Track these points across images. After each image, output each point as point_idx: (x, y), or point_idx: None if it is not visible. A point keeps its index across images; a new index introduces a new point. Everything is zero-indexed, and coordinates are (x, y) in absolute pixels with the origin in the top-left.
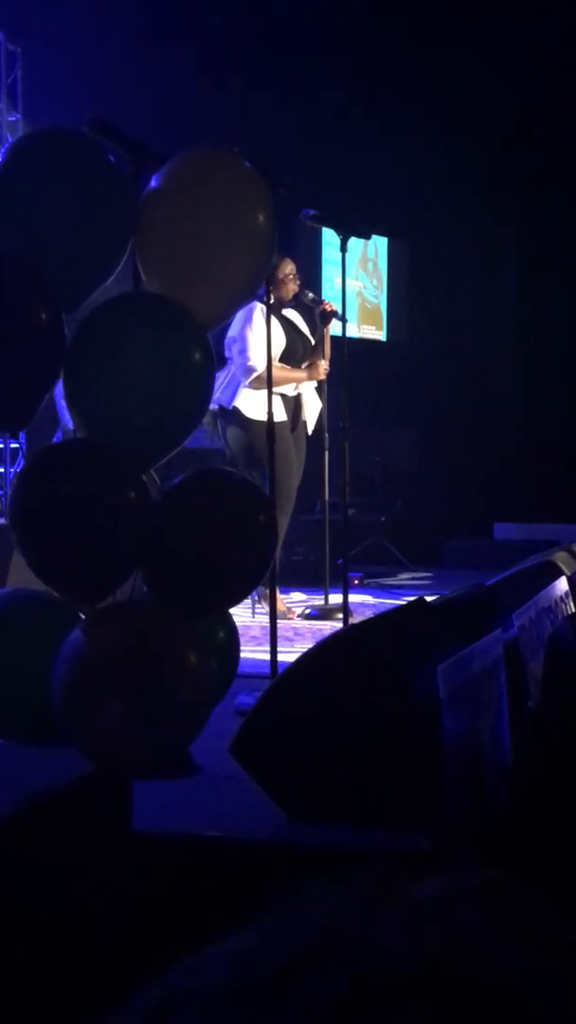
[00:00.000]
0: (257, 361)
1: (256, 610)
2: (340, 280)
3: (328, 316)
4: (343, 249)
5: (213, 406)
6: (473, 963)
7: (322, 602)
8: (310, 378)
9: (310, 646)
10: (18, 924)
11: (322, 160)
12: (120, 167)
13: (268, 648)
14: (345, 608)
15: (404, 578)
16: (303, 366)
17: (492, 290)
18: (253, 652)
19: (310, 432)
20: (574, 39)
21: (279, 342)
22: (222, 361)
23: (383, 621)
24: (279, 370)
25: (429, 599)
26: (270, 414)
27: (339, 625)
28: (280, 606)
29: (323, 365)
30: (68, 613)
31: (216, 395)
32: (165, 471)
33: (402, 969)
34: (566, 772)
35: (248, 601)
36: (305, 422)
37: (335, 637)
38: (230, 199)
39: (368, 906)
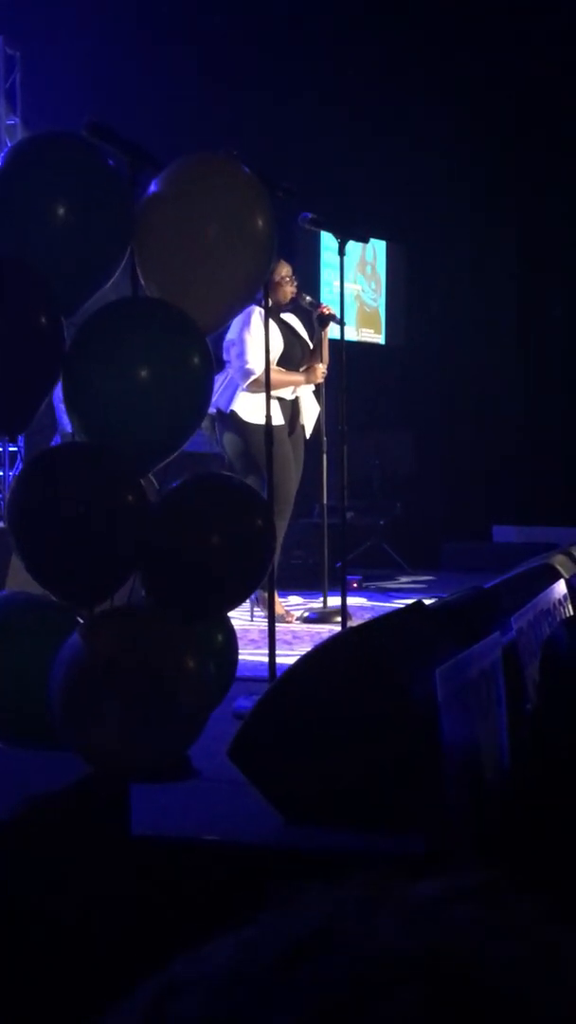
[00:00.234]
0: (255, 364)
1: (255, 613)
2: (339, 283)
3: (326, 319)
4: (341, 253)
5: (211, 410)
6: (470, 959)
7: (321, 605)
8: (308, 382)
9: (309, 649)
10: (17, 927)
11: (321, 163)
12: (118, 171)
13: (267, 651)
14: (344, 611)
15: (403, 581)
16: (301, 370)
17: (491, 293)
18: (251, 655)
19: (308, 436)
20: (574, 40)
21: (277, 346)
22: (220, 364)
23: (381, 624)
24: (277, 373)
25: (427, 602)
26: (268, 418)
27: (338, 628)
28: (279, 609)
29: (321, 368)
30: (66, 616)
31: (214, 398)
32: (163, 475)
33: (399, 962)
34: (564, 774)
35: (247, 604)
36: (303, 426)
37: (333, 640)
38: (229, 204)
39: (366, 905)
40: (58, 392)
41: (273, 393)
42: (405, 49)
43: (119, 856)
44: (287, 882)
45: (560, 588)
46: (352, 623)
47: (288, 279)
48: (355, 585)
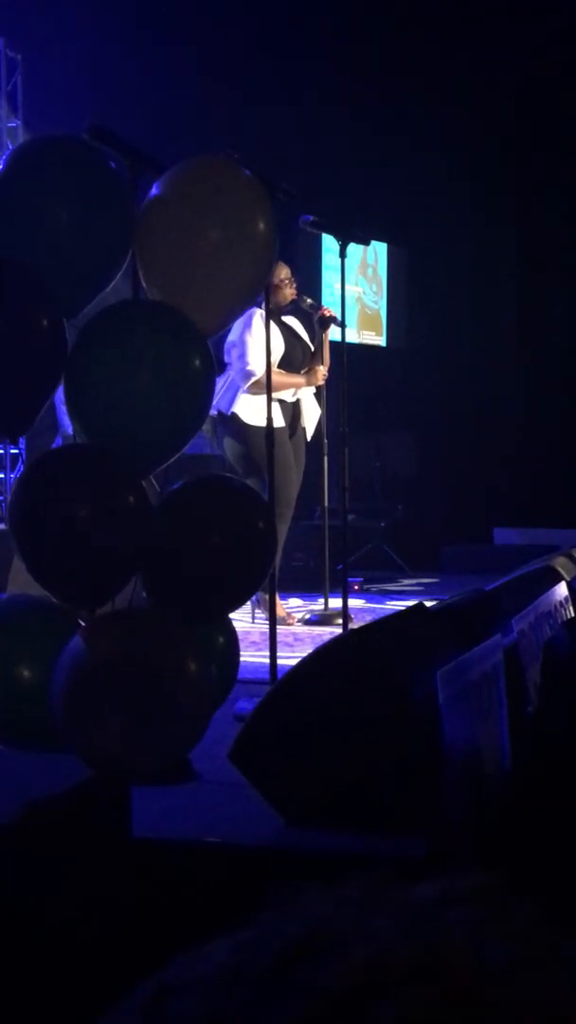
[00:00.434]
0: (256, 366)
1: (256, 615)
2: (340, 286)
3: (326, 322)
4: (342, 255)
5: (212, 412)
6: (467, 960)
7: (322, 608)
8: (309, 384)
9: (310, 652)
10: (18, 930)
11: (322, 166)
12: (119, 174)
13: (267, 653)
14: (345, 613)
15: (404, 583)
16: (302, 372)
17: (492, 296)
18: (252, 657)
19: (309, 438)
20: (574, 41)
21: (278, 348)
22: (221, 366)
23: (382, 626)
24: (278, 376)
25: (428, 604)
26: (269, 420)
27: (339, 631)
28: (280, 612)
29: (321, 371)
30: (67, 619)
31: (215, 400)
32: (164, 477)
33: (396, 964)
34: (565, 777)
35: (248, 606)
36: (304, 428)
37: (334, 642)
38: (230, 207)
39: (364, 906)
40: (59, 394)
41: (274, 395)
42: (405, 51)
43: (120, 859)
44: (287, 884)
45: (561, 590)
46: (353, 625)
47: (287, 281)
48: (356, 587)
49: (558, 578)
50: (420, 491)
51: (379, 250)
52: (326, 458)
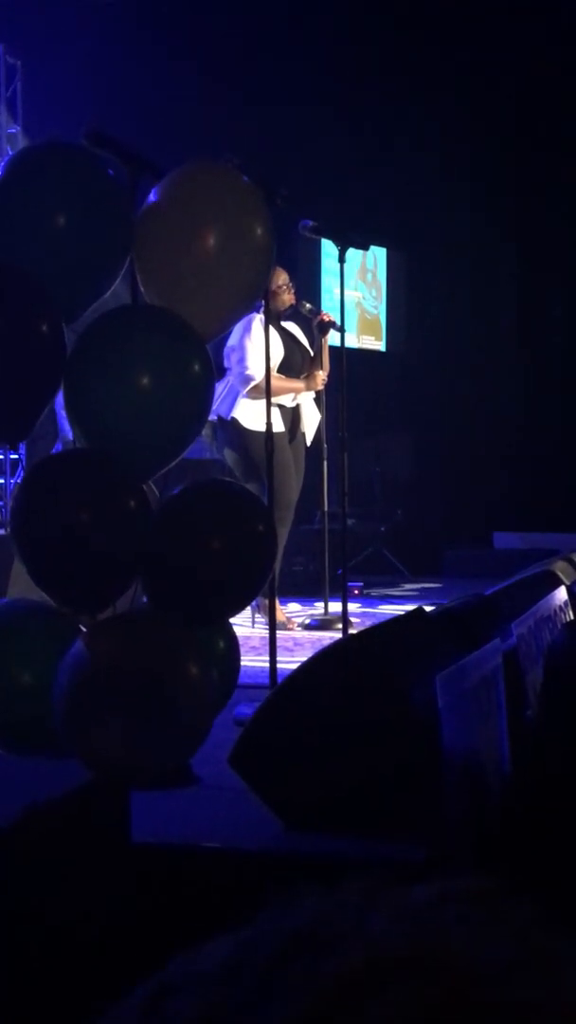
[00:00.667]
0: (255, 370)
1: (256, 620)
2: (339, 291)
3: (325, 327)
4: (342, 260)
5: (212, 417)
6: (463, 959)
7: (322, 612)
8: (308, 389)
9: (309, 656)
10: (17, 934)
11: (321, 171)
12: (118, 180)
13: (268, 658)
14: (345, 618)
15: (404, 588)
16: (301, 377)
17: (491, 300)
18: (253, 662)
19: (308, 443)
20: (574, 44)
21: (277, 353)
22: (221, 371)
23: (382, 631)
24: (277, 380)
25: (428, 608)
26: (268, 425)
27: (339, 635)
28: (280, 616)
29: (321, 376)
30: (68, 623)
31: (214, 406)
32: (163, 482)
33: (392, 961)
34: (566, 781)
35: (248, 611)
36: (304, 433)
37: (334, 647)
38: (228, 212)
39: (361, 905)
40: (59, 399)
41: (274, 400)
42: (404, 54)
43: (119, 863)
44: (287, 888)
45: (561, 594)
46: (353, 630)
47: (285, 287)
48: (356, 592)
49: (558, 582)
50: (420, 495)
51: (378, 255)
52: (326, 462)
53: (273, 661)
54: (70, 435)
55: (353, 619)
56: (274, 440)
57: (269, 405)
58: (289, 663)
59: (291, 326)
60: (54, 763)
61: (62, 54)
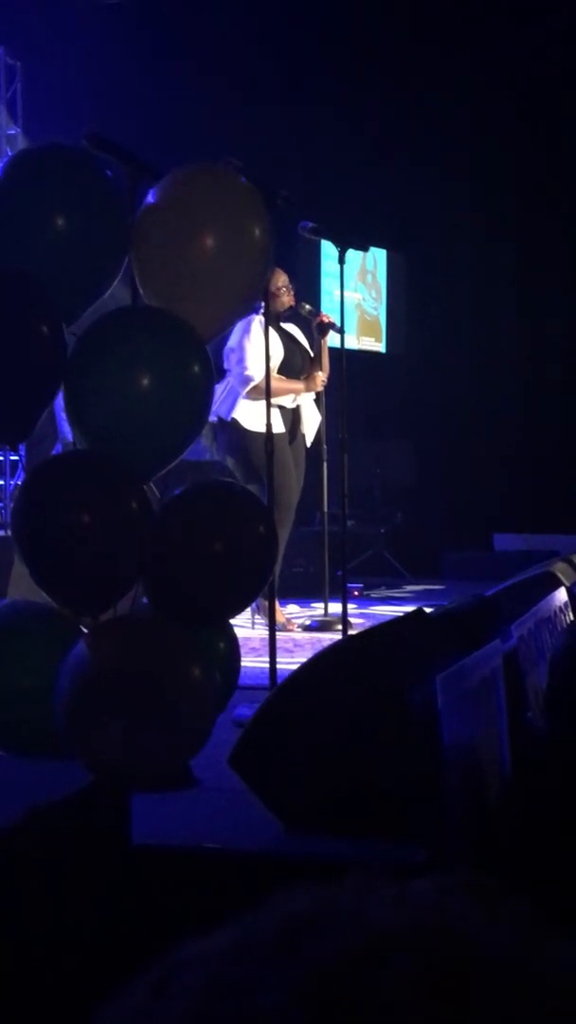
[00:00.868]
0: (255, 371)
1: (256, 621)
2: (339, 292)
3: (325, 328)
4: (341, 261)
5: (211, 418)
6: (463, 936)
7: (321, 613)
8: (308, 390)
9: (309, 657)
10: (17, 936)
11: (320, 172)
12: (117, 182)
13: (267, 659)
14: (344, 619)
15: (404, 590)
16: (301, 378)
17: (491, 302)
18: (252, 663)
19: (309, 444)
20: (574, 46)
21: (277, 354)
22: (220, 373)
23: (382, 632)
24: (277, 381)
25: (428, 610)
26: (268, 426)
27: (339, 636)
28: (280, 618)
29: (320, 377)
30: (69, 625)
31: (214, 407)
32: (164, 483)
33: (395, 934)
34: (570, 785)
35: (248, 612)
36: (304, 434)
37: (334, 648)
38: (226, 213)
39: (360, 890)
40: (59, 401)
41: (274, 401)
42: (404, 57)
43: (120, 865)
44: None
45: (561, 595)
46: (353, 632)
47: (285, 288)
48: (356, 593)
49: (558, 584)
50: (420, 497)
51: (378, 256)
52: (326, 464)
53: (273, 662)
54: (70, 436)
55: (353, 620)
56: (274, 441)
57: (269, 406)
58: (289, 664)
59: (291, 327)
60: (55, 765)
61: (62, 55)
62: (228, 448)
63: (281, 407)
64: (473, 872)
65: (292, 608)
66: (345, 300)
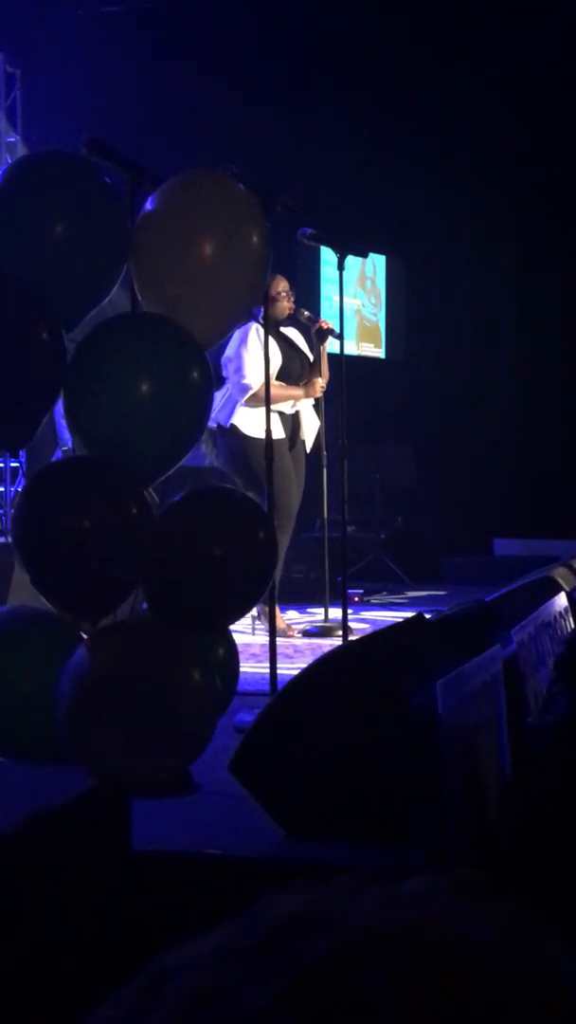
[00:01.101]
0: (253, 379)
1: (256, 627)
2: (338, 298)
3: (324, 334)
4: (341, 267)
5: (211, 424)
6: (451, 936)
7: (322, 619)
8: (307, 396)
9: (309, 663)
10: (17, 942)
11: (320, 178)
12: (116, 188)
13: (268, 665)
14: (345, 625)
15: (404, 595)
16: (300, 384)
17: (490, 307)
18: (253, 669)
19: (308, 450)
20: (574, 46)
21: (276, 360)
22: (219, 381)
23: (381, 637)
24: (276, 388)
25: (428, 615)
26: (268, 432)
27: (339, 642)
28: (280, 623)
29: (320, 383)
30: (69, 630)
31: (213, 414)
32: (163, 489)
33: (383, 934)
34: (567, 789)
35: (248, 618)
36: (303, 440)
37: (333, 654)
38: (224, 219)
39: (349, 891)
40: (59, 407)
41: (273, 407)
42: (403, 63)
43: (120, 870)
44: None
45: (561, 601)
46: (353, 637)
47: (284, 294)
48: (356, 599)
49: (558, 589)
50: (420, 502)
51: (377, 262)
52: (325, 470)
53: (273, 668)
54: (70, 443)
55: (353, 626)
56: (274, 447)
57: (268, 412)
58: (289, 670)
59: (291, 333)
60: (55, 770)
61: (61, 63)
62: (228, 455)
63: (280, 413)
64: (469, 873)
65: (292, 614)
66: (344, 306)
